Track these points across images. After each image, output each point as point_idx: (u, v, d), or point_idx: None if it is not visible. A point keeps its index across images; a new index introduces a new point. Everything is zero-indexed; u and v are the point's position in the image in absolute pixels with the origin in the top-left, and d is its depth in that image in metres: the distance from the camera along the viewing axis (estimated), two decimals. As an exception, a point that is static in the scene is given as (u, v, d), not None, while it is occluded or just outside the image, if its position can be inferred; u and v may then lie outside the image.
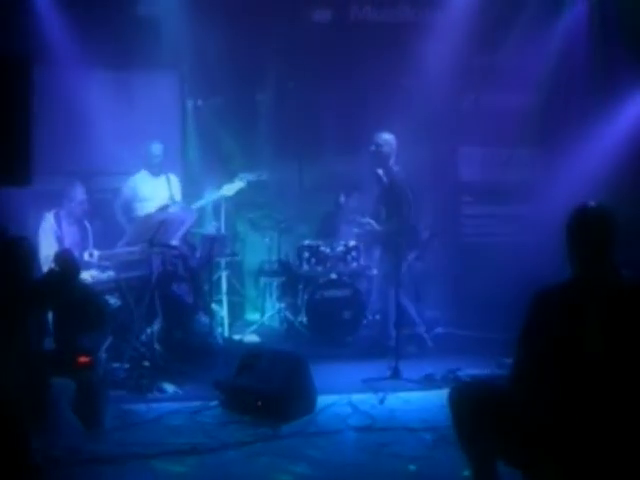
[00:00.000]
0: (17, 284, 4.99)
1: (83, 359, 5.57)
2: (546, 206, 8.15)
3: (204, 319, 7.69)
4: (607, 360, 3.64)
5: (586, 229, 3.82)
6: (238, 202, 9.06)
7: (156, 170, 8.30)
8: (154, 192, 8.28)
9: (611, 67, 8.57)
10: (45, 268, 6.84)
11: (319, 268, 8.46)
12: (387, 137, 7.82)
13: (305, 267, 8.52)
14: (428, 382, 6.84)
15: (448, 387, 4.49)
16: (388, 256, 7.65)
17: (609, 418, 3.62)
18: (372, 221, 7.94)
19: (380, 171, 7.73)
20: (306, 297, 8.29)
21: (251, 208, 9.55)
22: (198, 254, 8.33)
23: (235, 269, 9.25)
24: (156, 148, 8.27)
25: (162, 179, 8.32)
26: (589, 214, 3.85)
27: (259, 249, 9.48)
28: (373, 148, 7.81)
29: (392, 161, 7.81)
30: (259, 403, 6.03)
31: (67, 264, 6.09)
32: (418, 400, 6.44)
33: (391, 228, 7.65)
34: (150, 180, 8.35)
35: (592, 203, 3.91)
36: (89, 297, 6.36)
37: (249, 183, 8.56)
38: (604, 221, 3.83)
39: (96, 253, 7.43)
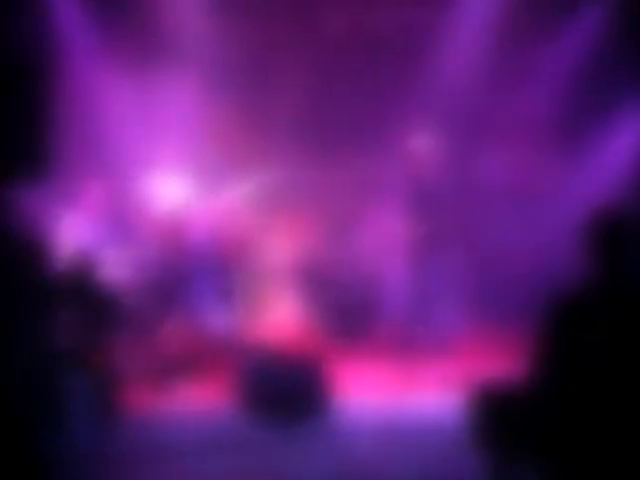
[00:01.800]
0: (33, 284, 4.99)
1: (97, 357, 5.57)
2: (565, 209, 8.10)
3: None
4: (624, 367, 3.61)
5: (608, 235, 3.77)
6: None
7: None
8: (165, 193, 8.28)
9: (633, 67, 8.52)
10: (61, 268, 6.84)
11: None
12: (423, 142, 7.86)
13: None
14: (447, 383, 6.80)
15: (467, 389, 4.46)
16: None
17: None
18: None
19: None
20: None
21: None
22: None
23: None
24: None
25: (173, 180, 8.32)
26: (612, 219, 3.80)
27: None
28: (409, 153, 7.85)
29: (431, 166, 7.86)
30: (276, 402, 6.03)
31: (83, 265, 6.12)
32: (436, 401, 6.41)
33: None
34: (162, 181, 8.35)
35: (615, 207, 3.86)
36: (104, 296, 6.36)
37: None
38: (626, 226, 3.78)
39: (112, 253, 7.44)
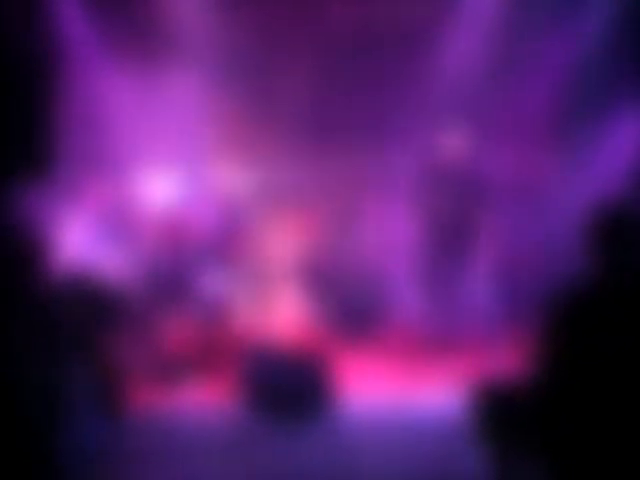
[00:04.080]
0: (34, 284, 4.99)
1: (102, 356, 5.58)
2: (567, 207, 8.10)
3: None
4: (628, 364, 3.62)
5: (611, 232, 3.77)
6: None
7: None
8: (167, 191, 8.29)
9: (634, 64, 8.51)
10: (63, 267, 6.84)
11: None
12: (428, 139, 7.91)
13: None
14: (452, 380, 6.79)
15: (473, 387, 4.47)
16: None
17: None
18: None
19: None
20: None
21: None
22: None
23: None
24: None
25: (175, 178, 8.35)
26: (615, 216, 3.80)
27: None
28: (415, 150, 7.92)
29: (435, 164, 7.91)
30: (281, 400, 6.05)
31: (84, 264, 6.12)
32: (442, 399, 6.42)
33: None
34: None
35: (618, 204, 3.86)
36: (107, 295, 6.37)
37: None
38: (628, 223, 3.78)
39: (114, 251, 7.45)
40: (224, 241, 8.26)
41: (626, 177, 8.07)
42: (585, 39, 8.84)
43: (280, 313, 9.26)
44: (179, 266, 7.58)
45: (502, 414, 4.05)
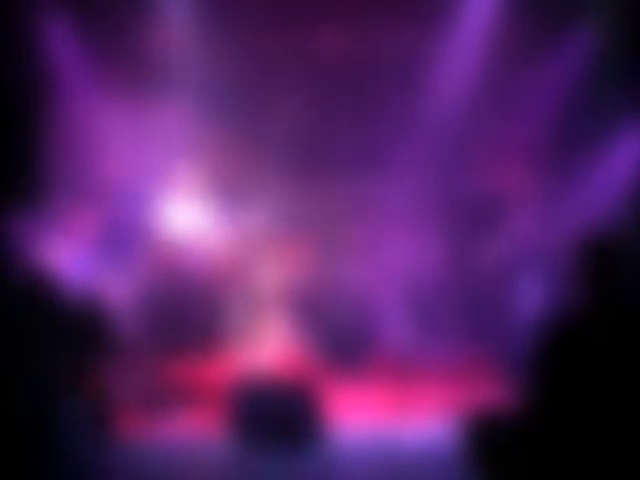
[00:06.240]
0: (30, 311, 5.00)
1: (93, 384, 5.58)
2: (558, 233, 8.13)
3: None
4: (614, 392, 3.64)
5: (601, 258, 3.78)
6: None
7: None
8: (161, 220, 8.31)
9: (629, 87, 8.56)
10: (58, 295, 6.85)
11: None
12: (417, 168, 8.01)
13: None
14: (441, 409, 6.81)
15: (462, 415, 4.48)
16: None
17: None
18: None
19: None
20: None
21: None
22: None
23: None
24: None
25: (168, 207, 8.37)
26: (605, 241, 3.82)
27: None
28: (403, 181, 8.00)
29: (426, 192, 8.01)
30: (270, 429, 6.05)
31: (79, 292, 6.13)
32: (430, 427, 6.42)
33: None
34: None
35: (608, 229, 3.87)
36: (100, 323, 6.39)
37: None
38: (619, 248, 3.80)
39: (107, 280, 7.47)
40: (216, 272, 8.28)
41: (619, 202, 8.10)
42: (584, 60, 8.88)
43: (271, 343, 9.26)
44: (172, 296, 7.60)
45: (490, 443, 4.05)
